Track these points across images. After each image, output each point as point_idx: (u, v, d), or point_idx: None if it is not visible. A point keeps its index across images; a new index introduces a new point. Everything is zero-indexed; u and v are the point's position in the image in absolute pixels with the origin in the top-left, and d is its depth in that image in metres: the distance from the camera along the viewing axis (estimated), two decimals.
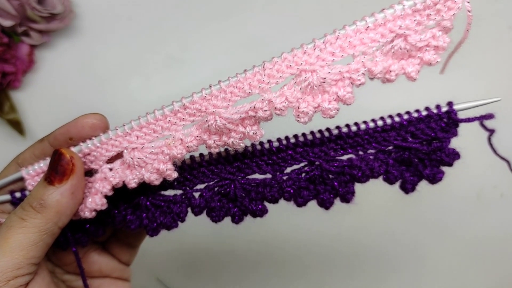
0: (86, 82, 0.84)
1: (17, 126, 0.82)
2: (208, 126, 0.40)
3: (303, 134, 0.45)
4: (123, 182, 0.43)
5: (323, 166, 0.44)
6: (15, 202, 0.46)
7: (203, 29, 0.82)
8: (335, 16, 0.80)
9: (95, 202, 0.43)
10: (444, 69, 0.43)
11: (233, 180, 0.45)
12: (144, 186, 0.44)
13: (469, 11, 0.38)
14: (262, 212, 0.45)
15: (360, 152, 0.45)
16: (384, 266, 0.93)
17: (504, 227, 0.90)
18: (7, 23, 0.75)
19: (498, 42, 0.81)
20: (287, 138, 0.45)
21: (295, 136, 0.45)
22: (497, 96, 0.45)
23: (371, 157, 0.45)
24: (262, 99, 0.39)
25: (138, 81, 0.84)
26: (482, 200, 0.88)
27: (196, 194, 0.46)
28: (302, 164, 0.45)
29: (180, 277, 0.93)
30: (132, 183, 0.43)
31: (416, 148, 0.44)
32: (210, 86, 0.41)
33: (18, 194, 0.46)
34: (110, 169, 0.44)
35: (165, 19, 0.82)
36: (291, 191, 0.45)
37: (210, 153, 0.45)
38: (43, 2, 0.76)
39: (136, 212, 0.46)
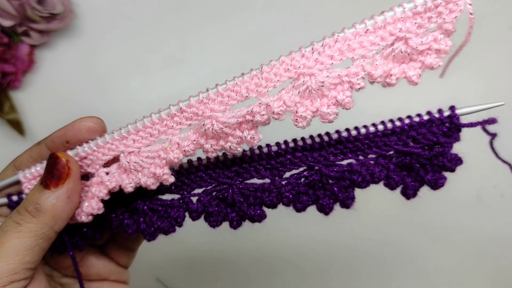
0: (86, 82, 0.84)
1: (17, 126, 0.82)
2: (205, 130, 0.40)
3: (302, 139, 0.44)
4: (120, 186, 0.43)
5: (322, 171, 0.44)
6: (12, 206, 0.45)
7: (203, 29, 0.81)
8: (335, 16, 0.79)
9: (91, 206, 0.43)
10: (444, 73, 0.42)
11: (231, 184, 0.44)
12: (141, 190, 0.44)
13: (471, 14, 0.37)
14: (260, 217, 0.45)
15: (361, 157, 0.44)
16: (385, 270, 0.92)
17: (504, 228, 0.89)
18: (7, 23, 0.75)
19: (498, 42, 0.81)
20: (286, 142, 0.44)
21: (294, 141, 0.44)
22: (498, 97, 0.44)
23: (371, 162, 0.44)
24: (260, 103, 0.38)
25: (138, 81, 0.84)
26: (482, 200, 0.87)
27: (194, 199, 0.45)
28: (301, 169, 0.45)
29: (180, 277, 0.93)
30: (129, 188, 0.42)
31: (418, 153, 0.44)
32: (207, 90, 0.40)
33: (15, 198, 0.45)
34: (107, 173, 0.43)
35: (165, 19, 0.81)
36: (290, 196, 0.44)
37: (208, 158, 0.44)
38: (43, 2, 0.76)
39: (134, 216, 0.46)
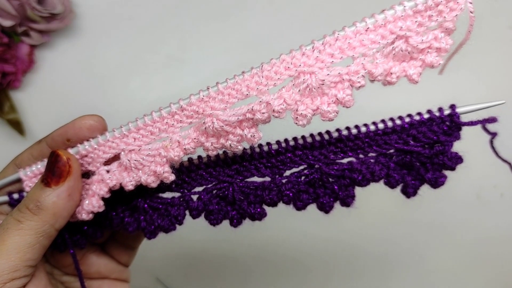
0: (86, 82, 0.84)
1: (17, 126, 0.82)
2: (205, 128, 0.40)
3: (303, 137, 0.44)
4: (120, 184, 0.43)
5: (323, 169, 0.44)
6: (12, 204, 0.45)
7: (203, 29, 0.81)
8: (336, 15, 0.79)
9: (92, 204, 0.43)
10: (443, 71, 0.42)
11: (232, 183, 0.44)
12: (142, 188, 0.44)
13: (471, 12, 0.37)
14: (261, 216, 0.45)
15: (361, 155, 0.44)
16: (385, 269, 0.92)
17: (504, 227, 0.89)
18: (7, 23, 0.75)
19: (498, 42, 0.81)
20: (286, 140, 0.44)
21: (295, 139, 0.44)
22: (499, 96, 0.44)
23: (372, 160, 0.44)
24: (260, 101, 0.38)
25: (138, 81, 0.84)
26: (482, 200, 0.87)
27: (194, 197, 0.45)
28: (301, 167, 0.45)
29: (180, 277, 0.93)
30: (129, 186, 0.42)
31: (418, 152, 0.44)
32: (208, 88, 0.40)
33: (16, 196, 0.45)
34: (107, 171, 0.43)
35: (165, 19, 0.81)
36: (290, 194, 0.44)
37: (208, 156, 0.44)
38: (43, 2, 0.76)
39: (134, 214, 0.46)
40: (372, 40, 0.38)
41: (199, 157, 0.45)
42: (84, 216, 0.43)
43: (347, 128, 0.44)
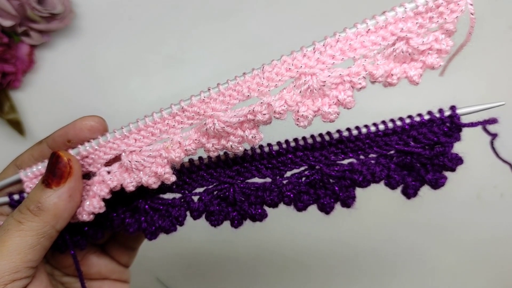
0: (86, 82, 0.84)
1: (17, 126, 0.82)
2: (206, 129, 0.40)
3: (303, 138, 0.44)
4: (121, 185, 0.43)
5: (323, 171, 0.44)
6: (13, 205, 0.45)
7: (203, 29, 0.81)
8: (337, 16, 0.79)
9: (93, 205, 0.43)
10: (444, 72, 0.42)
11: (232, 184, 0.45)
12: (143, 189, 0.44)
13: (472, 14, 0.37)
14: (261, 217, 0.45)
15: (361, 156, 0.45)
16: (385, 270, 0.92)
17: (504, 228, 0.89)
18: (7, 23, 0.75)
19: (498, 42, 0.81)
20: (287, 141, 0.44)
21: (295, 140, 0.44)
22: (499, 97, 0.44)
23: (372, 161, 0.44)
24: (261, 103, 0.38)
25: (138, 81, 0.84)
26: (482, 200, 0.88)
27: (195, 198, 0.46)
28: (302, 168, 0.45)
29: (180, 277, 0.93)
30: (130, 187, 0.42)
31: (419, 153, 0.44)
32: (209, 89, 0.40)
33: (16, 197, 0.45)
34: (108, 172, 0.43)
35: (165, 19, 0.81)
36: (291, 195, 0.44)
37: (209, 157, 0.45)
38: (43, 2, 0.76)
39: (135, 215, 0.46)
40: (373, 41, 0.38)
41: (200, 158, 0.45)
42: (85, 217, 0.43)
43: (348, 129, 0.44)
